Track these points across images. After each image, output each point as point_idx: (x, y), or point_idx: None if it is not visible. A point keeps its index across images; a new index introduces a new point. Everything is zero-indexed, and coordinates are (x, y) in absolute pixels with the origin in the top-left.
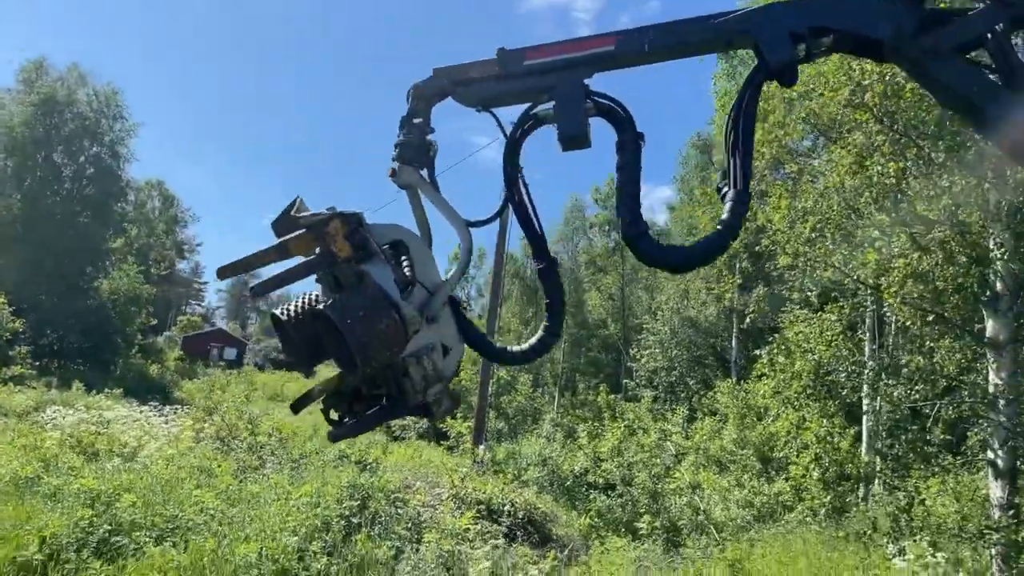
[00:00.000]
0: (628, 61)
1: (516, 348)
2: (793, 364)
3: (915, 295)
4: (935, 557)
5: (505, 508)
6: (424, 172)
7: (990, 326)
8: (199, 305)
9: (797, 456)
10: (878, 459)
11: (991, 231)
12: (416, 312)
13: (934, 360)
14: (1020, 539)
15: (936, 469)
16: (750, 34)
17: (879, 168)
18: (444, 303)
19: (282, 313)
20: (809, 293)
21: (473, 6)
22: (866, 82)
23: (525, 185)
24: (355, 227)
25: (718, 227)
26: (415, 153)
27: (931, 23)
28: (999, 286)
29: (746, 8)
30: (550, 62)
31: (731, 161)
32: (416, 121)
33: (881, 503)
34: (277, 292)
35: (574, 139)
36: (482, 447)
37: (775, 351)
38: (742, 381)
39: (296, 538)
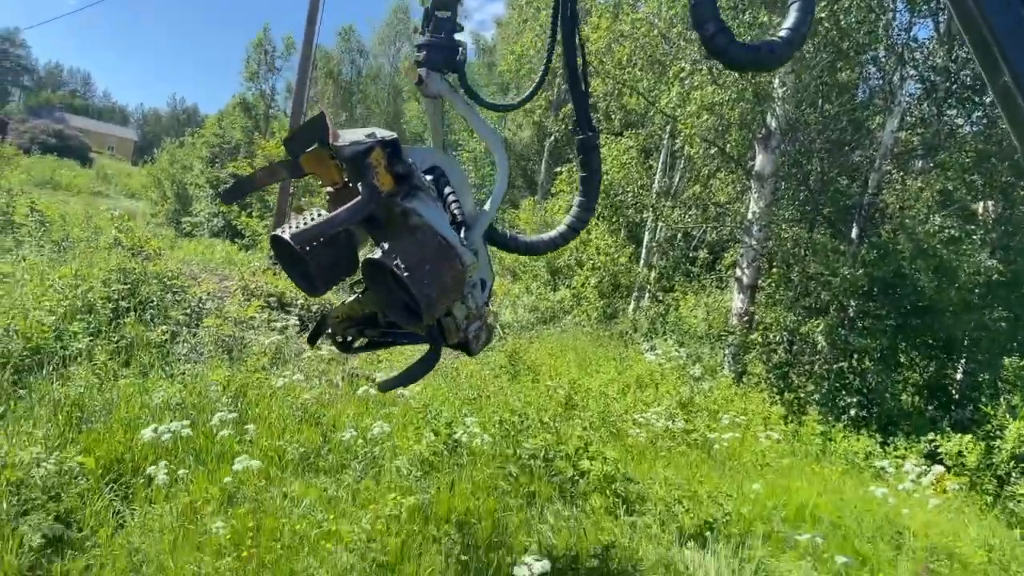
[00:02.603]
0: None
1: (548, 235)
2: None
3: (705, 128)
4: (679, 352)
5: (299, 302)
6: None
7: (759, 160)
8: None
9: (581, 268)
10: (651, 273)
11: (778, 73)
12: (473, 255)
13: (709, 188)
14: (748, 341)
15: (695, 285)
16: None
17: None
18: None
19: (292, 238)
20: (613, 116)
21: None
22: None
23: (581, 41)
24: (396, 155)
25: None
26: (446, 58)
27: None
28: (773, 125)
29: None
30: None
31: None
32: (444, 15)
33: (645, 311)
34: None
35: None
36: None
37: (573, 169)
38: (545, 199)
39: (53, 317)
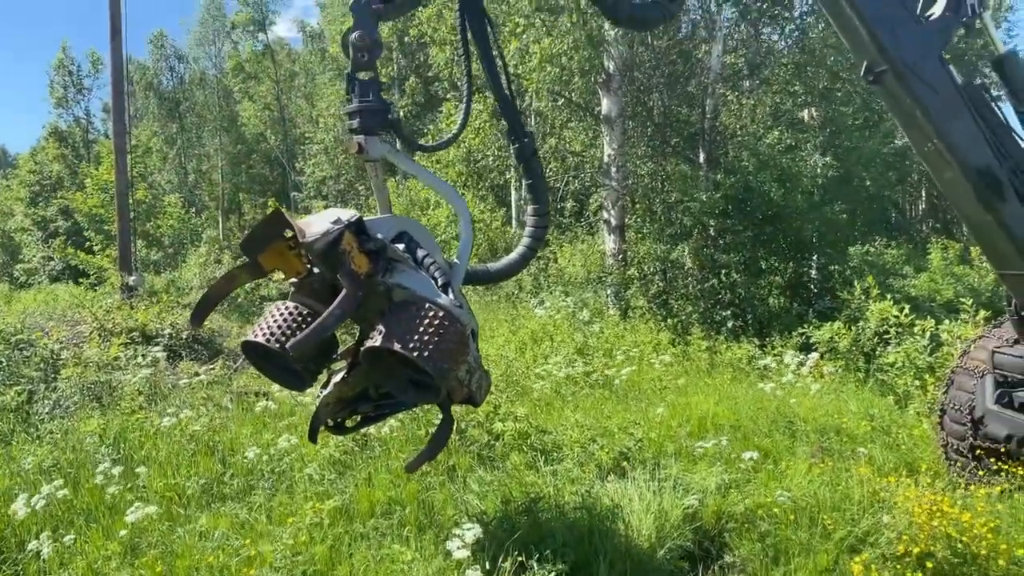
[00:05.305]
0: None
1: (516, 253)
2: (448, 154)
3: (548, 80)
4: (566, 302)
5: (165, 331)
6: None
7: (604, 104)
8: None
9: (455, 239)
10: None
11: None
12: (468, 313)
13: (563, 139)
14: (626, 278)
15: (569, 235)
16: None
17: None
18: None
19: (290, 350)
20: (458, 83)
21: None
22: None
23: (498, 46)
24: (364, 233)
25: None
26: (380, 120)
27: None
28: (611, 68)
29: None
30: None
31: None
32: (367, 77)
33: (527, 269)
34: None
35: None
36: (133, 277)
37: (428, 142)
38: (406, 179)
39: None
